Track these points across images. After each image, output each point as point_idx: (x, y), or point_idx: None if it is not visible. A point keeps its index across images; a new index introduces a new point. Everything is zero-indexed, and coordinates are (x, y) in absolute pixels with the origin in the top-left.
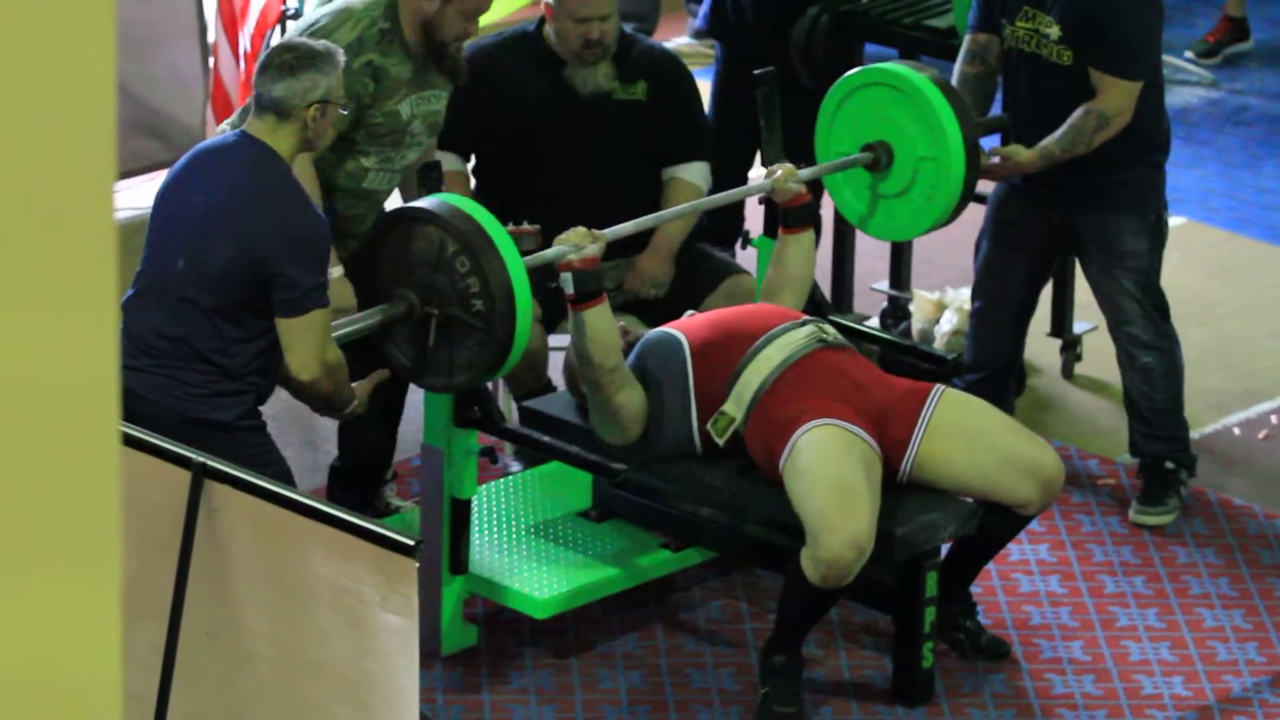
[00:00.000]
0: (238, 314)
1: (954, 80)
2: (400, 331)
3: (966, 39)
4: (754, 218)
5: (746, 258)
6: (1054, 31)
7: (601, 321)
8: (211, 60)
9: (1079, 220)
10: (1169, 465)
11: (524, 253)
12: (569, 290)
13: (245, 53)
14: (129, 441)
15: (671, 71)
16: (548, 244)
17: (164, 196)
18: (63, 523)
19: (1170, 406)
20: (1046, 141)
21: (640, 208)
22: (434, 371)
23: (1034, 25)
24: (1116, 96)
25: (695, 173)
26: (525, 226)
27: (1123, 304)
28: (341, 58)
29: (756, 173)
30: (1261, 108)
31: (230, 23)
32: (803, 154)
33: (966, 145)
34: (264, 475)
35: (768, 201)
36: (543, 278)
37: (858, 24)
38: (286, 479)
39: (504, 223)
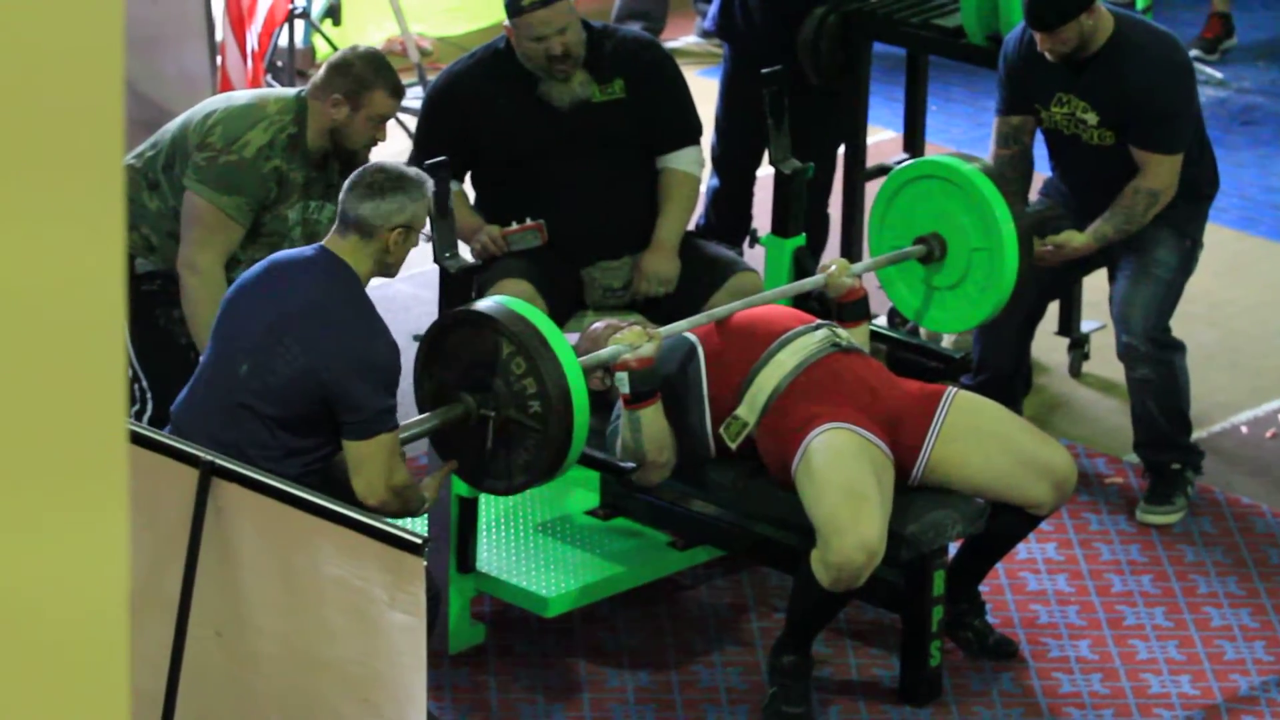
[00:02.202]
0: (298, 427)
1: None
2: (457, 434)
3: (997, 122)
4: (761, 215)
5: (754, 255)
6: (1091, 117)
7: (657, 420)
8: (219, 59)
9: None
10: (1175, 465)
11: (529, 251)
12: (624, 390)
13: (253, 51)
14: (137, 440)
15: (648, 62)
16: (555, 240)
17: (233, 302)
18: (71, 452)
19: (1168, 417)
20: (1098, 224)
21: (642, 203)
22: (494, 475)
23: (1069, 110)
24: (1161, 173)
25: (686, 159)
26: (528, 223)
27: (1129, 313)
28: (431, 187)
29: (764, 172)
30: (1269, 107)
31: (238, 22)
32: (810, 153)
33: (1020, 235)
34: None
35: (777, 201)
36: (548, 272)
37: (865, 23)
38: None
39: (506, 225)
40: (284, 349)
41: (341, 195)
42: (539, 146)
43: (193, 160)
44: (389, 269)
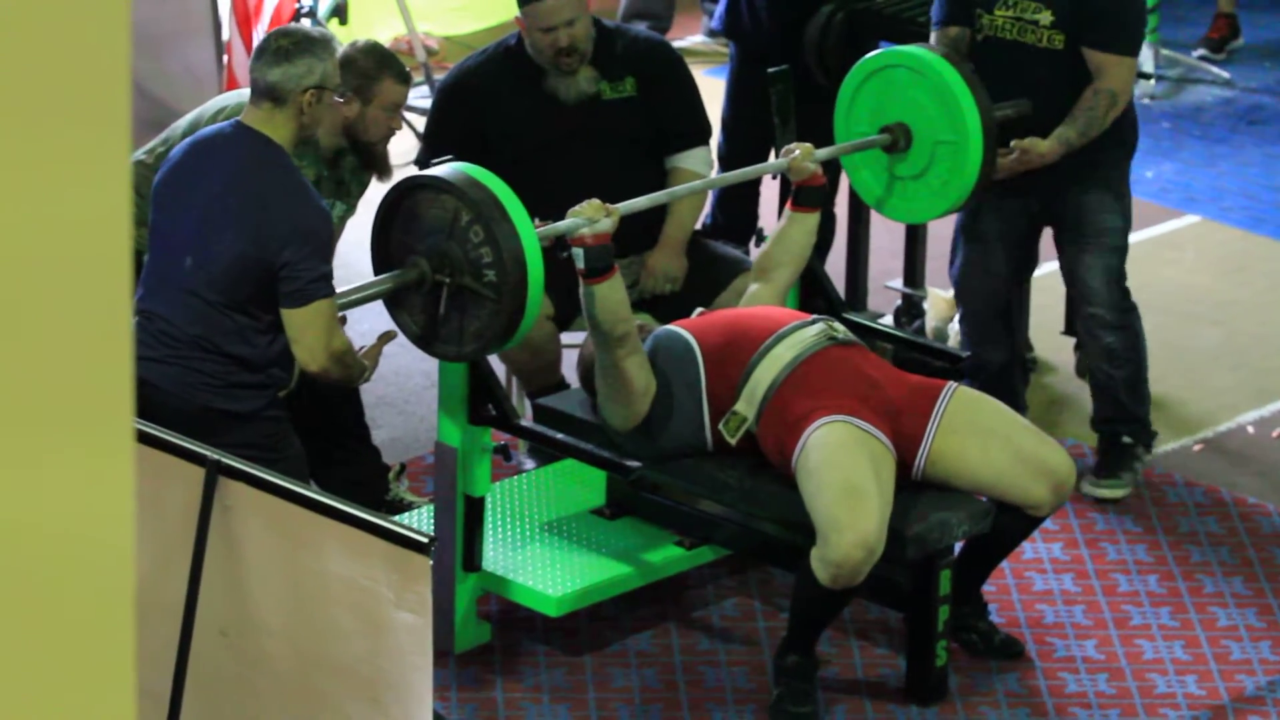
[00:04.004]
0: (249, 308)
1: None
2: (411, 299)
3: (935, 34)
4: (768, 215)
5: None
6: (1044, 17)
7: (613, 294)
8: (225, 58)
9: (1055, 201)
10: (1126, 440)
11: None
12: (580, 265)
13: None
14: (143, 439)
15: (659, 61)
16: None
17: (162, 193)
18: (76, 390)
19: (1131, 385)
20: (1061, 129)
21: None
22: (444, 340)
23: (1017, 13)
24: (1120, 74)
25: (696, 159)
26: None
27: (1092, 284)
28: (337, 44)
29: None
30: (1276, 107)
31: (244, 20)
32: None
33: (985, 130)
34: (275, 467)
35: (782, 191)
36: (553, 274)
37: (871, 22)
38: (299, 465)
39: None
40: (219, 233)
41: (250, 66)
42: (545, 142)
43: None
44: (307, 130)
